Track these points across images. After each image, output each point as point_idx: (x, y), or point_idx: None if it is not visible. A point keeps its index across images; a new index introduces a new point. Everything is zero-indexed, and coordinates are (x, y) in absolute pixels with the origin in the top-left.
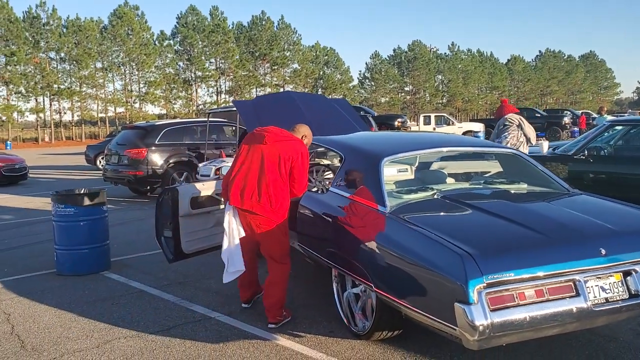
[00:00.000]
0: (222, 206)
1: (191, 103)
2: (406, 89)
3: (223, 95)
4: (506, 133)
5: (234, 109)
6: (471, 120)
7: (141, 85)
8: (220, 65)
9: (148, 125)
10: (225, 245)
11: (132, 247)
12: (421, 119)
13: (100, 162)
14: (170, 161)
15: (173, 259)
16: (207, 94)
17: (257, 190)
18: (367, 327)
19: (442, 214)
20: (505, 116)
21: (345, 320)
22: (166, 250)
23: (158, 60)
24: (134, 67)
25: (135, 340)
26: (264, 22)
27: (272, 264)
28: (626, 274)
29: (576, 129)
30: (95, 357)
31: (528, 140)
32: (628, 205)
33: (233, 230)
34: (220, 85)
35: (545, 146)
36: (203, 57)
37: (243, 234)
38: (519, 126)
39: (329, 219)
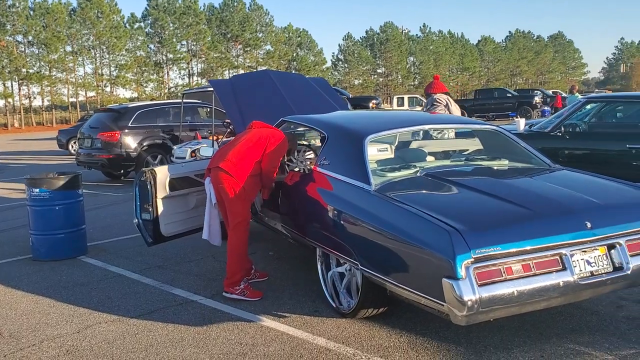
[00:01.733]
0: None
1: (163, 86)
2: (379, 70)
3: (195, 78)
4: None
5: (210, 89)
6: None
7: (112, 69)
8: (192, 47)
9: (121, 107)
10: (206, 215)
11: (109, 231)
12: (395, 100)
13: (72, 146)
14: (144, 144)
15: (152, 242)
16: (179, 77)
17: (228, 153)
18: (352, 306)
19: (426, 191)
20: (434, 96)
21: (330, 299)
22: (145, 233)
23: (129, 43)
24: (104, 50)
25: (117, 325)
26: (235, 4)
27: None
28: (610, 247)
29: (546, 108)
30: (75, 342)
31: None
32: (610, 179)
33: (211, 202)
34: (192, 67)
35: (522, 124)
36: (174, 40)
37: (215, 200)
38: (446, 106)
39: (312, 198)
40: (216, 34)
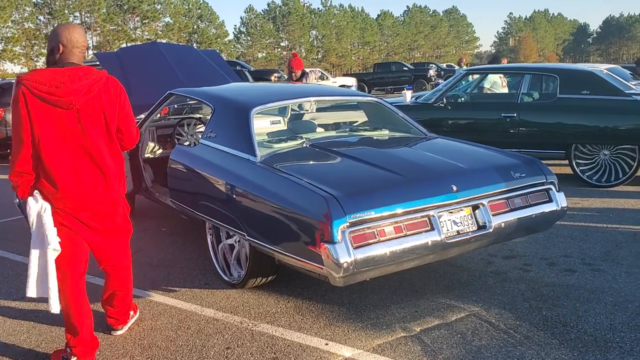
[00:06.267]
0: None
1: None
2: (282, 44)
3: (90, 52)
4: None
5: (97, 63)
6: (344, 75)
7: None
8: (86, 19)
9: (4, 82)
10: (36, 260)
11: None
12: None
13: None
14: None
15: None
16: None
17: (97, 171)
18: (241, 276)
19: (309, 161)
20: (307, 71)
21: (220, 271)
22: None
23: (15, 14)
24: None
25: None
26: None
27: (117, 268)
28: (475, 207)
29: (440, 81)
30: None
31: None
32: (477, 145)
33: (46, 243)
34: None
35: (408, 96)
36: (66, 11)
37: (57, 239)
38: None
39: (200, 171)
40: (111, 5)
